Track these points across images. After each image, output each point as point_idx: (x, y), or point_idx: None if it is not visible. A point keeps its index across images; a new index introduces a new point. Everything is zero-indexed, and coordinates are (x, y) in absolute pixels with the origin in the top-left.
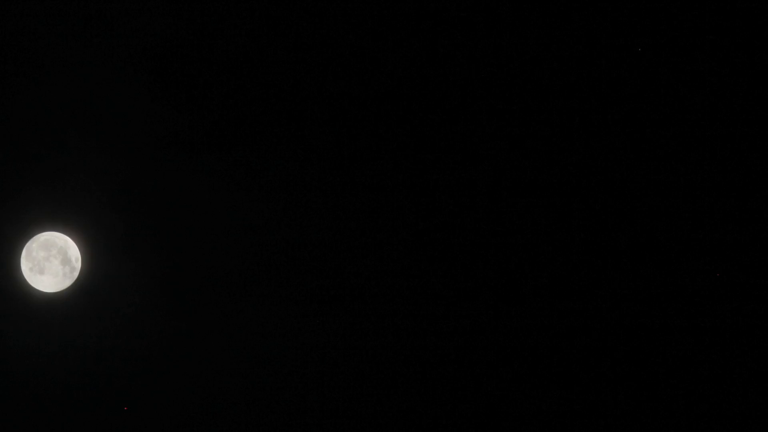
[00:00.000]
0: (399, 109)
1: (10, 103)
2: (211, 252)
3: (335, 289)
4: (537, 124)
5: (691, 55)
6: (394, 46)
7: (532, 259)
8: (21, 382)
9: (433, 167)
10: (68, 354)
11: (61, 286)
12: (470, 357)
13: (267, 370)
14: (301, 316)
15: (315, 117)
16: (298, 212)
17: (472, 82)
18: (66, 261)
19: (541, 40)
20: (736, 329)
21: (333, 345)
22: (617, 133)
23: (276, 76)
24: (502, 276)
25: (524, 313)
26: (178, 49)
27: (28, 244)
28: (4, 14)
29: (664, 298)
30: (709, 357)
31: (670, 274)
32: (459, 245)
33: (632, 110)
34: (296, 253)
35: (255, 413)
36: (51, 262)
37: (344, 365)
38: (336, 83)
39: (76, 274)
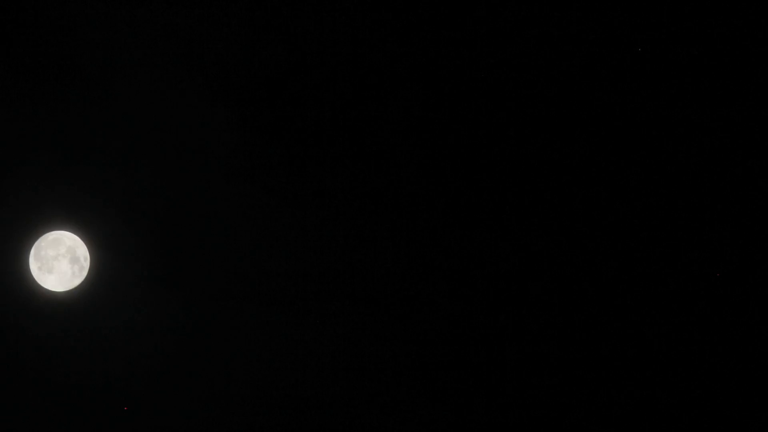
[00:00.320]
0: (399, 110)
1: (19, 103)
2: (219, 252)
3: (338, 290)
4: (537, 124)
5: (691, 55)
6: (404, 50)
7: (532, 259)
8: (29, 381)
9: (433, 167)
10: (76, 353)
11: (69, 286)
12: (470, 357)
13: (271, 372)
14: (307, 318)
15: (328, 122)
16: (306, 214)
17: (471, 82)
18: (74, 260)
19: (541, 40)
20: (736, 329)
21: (336, 347)
22: (617, 133)
23: (286, 81)
24: (502, 276)
25: (524, 313)
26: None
27: (36, 243)
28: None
29: (664, 298)
30: (709, 357)
31: (670, 274)
32: (459, 245)
33: (632, 110)
34: (303, 254)
35: (256, 415)
36: (59, 261)
37: (345, 366)
38: (344, 88)
39: (84, 273)
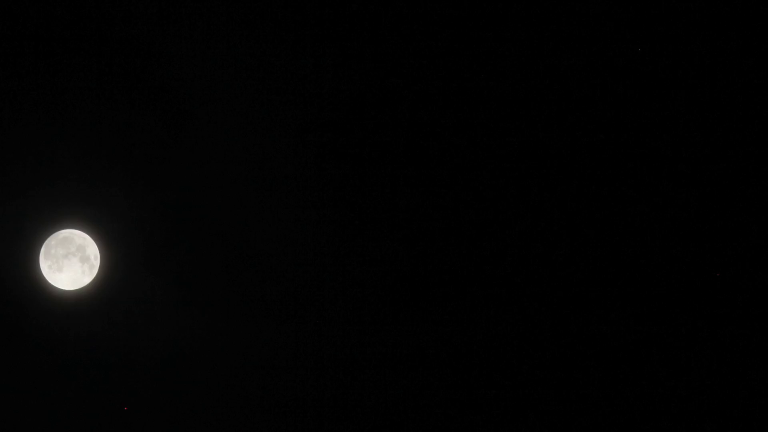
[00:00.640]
0: (398, 110)
1: (28, 102)
2: (231, 252)
3: (343, 292)
4: (536, 124)
5: (691, 55)
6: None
7: (532, 259)
8: (38, 379)
9: (432, 168)
10: (85, 351)
11: (79, 284)
12: (470, 357)
13: (276, 373)
14: (314, 320)
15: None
16: (316, 215)
17: (471, 82)
18: (85, 259)
19: (541, 41)
20: (736, 329)
21: (340, 348)
22: (617, 134)
23: (286, 80)
24: (501, 276)
25: (524, 313)
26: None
27: (47, 242)
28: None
29: (663, 298)
30: (708, 357)
31: (670, 274)
32: (458, 246)
33: (632, 110)
34: (312, 256)
35: (258, 416)
36: (70, 259)
37: (349, 367)
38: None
39: (94, 271)
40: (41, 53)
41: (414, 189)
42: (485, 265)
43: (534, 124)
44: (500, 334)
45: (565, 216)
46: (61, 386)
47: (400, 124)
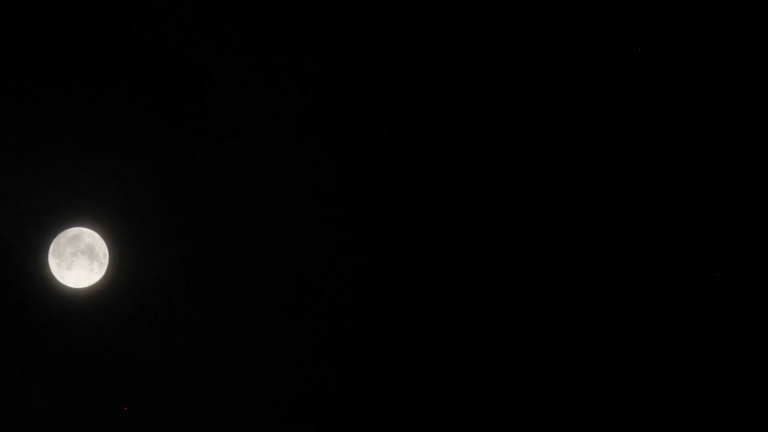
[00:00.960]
0: (397, 111)
1: (39, 100)
2: (240, 251)
3: (348, 293)
4: (536, 124)
5: (691, 55)
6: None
7: (532, 260)
8: (47, 376)
9: (432, 167)
10: (93, 349)
11: (88, 282)
12: (470, 358)
13: (282, 373)
14: (316, 320)
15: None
16: (326, 216)
17: (471, 82)
18: (93, 257)
19: (541, 41)
20: (736, 329)
21: (345, 349)
22: (617, 134)
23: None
24: (502, 276)
25: (523, 314)
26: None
27: (56, 240)
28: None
29: (663, 298)
30: (708, 357)
31: (670, 274)
32: (458, 246)
33: (632, 111)
34: (322, 256)
35: (260, 416)
36: (79, 257)
37: (351, 368)
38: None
39: (103, 270)
40: (54, 52)
41: (414, 189)
42: (485, 265)
43: (534, 124)
44: (500, 334)
45: (565, 216)
46: (69, 383)
47: (399, 125)
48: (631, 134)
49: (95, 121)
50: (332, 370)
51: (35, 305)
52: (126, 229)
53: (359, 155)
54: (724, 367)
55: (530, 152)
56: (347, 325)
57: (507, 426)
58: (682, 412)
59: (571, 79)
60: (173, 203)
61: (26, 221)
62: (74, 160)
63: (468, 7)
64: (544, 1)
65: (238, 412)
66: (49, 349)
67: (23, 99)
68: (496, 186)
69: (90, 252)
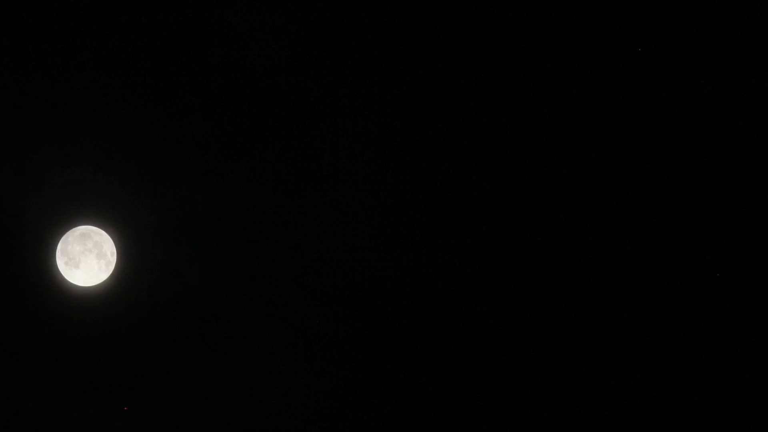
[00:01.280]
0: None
1: (49, 97)
2: (248, 250)
3: (353, 293)
4: (536, 124)
5: (691, 55)
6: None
7: (531, 260)
8: (54, 376)
9: (432, 167)
10: (101, 348)
11: (96, 281)
12: (470, 359)
13: (282, 376)
14: (324, 322)
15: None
16: (332, 217)
17: (471, 82)
18: (101, 255)
19: (541, 41)
20: (736, 329)
21: (350, 350)
22: (617, 134)
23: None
24: (502, 277)
25: (523, 314)
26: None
27: (63, 238)
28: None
29: (663, 298)
30: (708, 357)
31: (670, 274)
32: (457, 246)
33: (632, 111)
34: (330, 256)
35: (262, 417)
36: (86, 256)
37: (354, 368)
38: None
39: (111, 268)
40: (68, 49)
41: (414, 189)
42: (483, 265)
43: (534, 124)
44: (501, 335)
45: (565, 216)
46: (77, 382)
47: (400, 124)
48: (631, 134)
49: (104, 119)
50: (339, 370)
51: (43, 304)
52: (134, 228)
53: (362, 155)
54: (725, 367)
55: (530, 152)
56: (355, 327)
57: (507, 426)
58: (683, 411)
59: (570, 79)
60: (182, 201)
61: (34, 220)
62: (82, 158)
63: (468, 7)
64: (544, 1)
65: (244, 413)
66: (56, 347)
67: (31, 96)
68: (496, 186)
69: (98, 250)
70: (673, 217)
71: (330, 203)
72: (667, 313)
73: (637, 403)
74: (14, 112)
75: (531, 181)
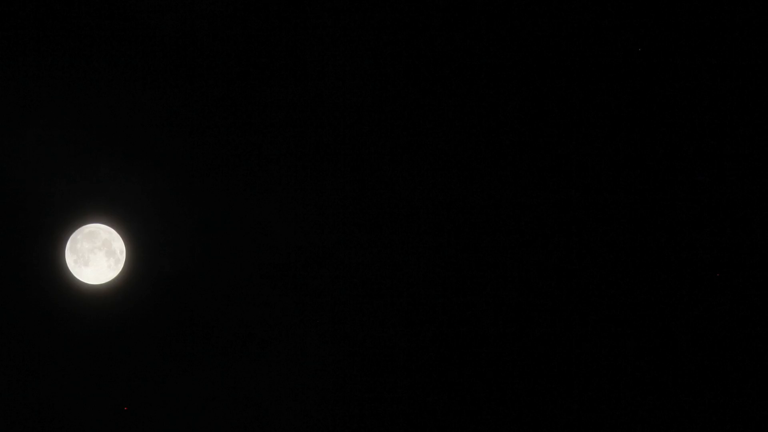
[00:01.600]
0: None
1: (56, 95)
2: (257, 247)
3: (356, 293)
4: (536, 124)
5: (691, 55)
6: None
7: (532, 260)
8: (63, 374)
9: (431, 167)
10: (109, 346)
11: (105, 279)
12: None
13: (285, 376)
14: (328, 322)
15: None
16: (337, 217)
17: (471, 82)
18: (110, 253)
19: (540, 41)
20: (736, 329)
21: (351, 350)
22: (617, 134)
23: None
24: (502, 277)
25: (523, 314)
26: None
27: (72, 236)
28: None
29: (663, 298)
30: (708, 357)
31: (670, 274)
32: (458, 247)
33: (632, 111)
34: (336, 256)
35: (264, 417)
36: (95, 254)
37: (356, 368)
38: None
39: (120, 266)
40: (69, 45)
41: (415, 187)
42: (483, 265)
43: (533, 124)
44: (501, 335)
45: (565, 216)
46: (84, 380)
47: (398, 125)
48: (631, 134)
49: (113, 117)
50: (339, 370)
51: (52, 301)
52: (143, 226)
53: (362, 154)
54: (724, 367)
55: (530, 152)
56: (359, 326)
57: (507, 426)
58: (682, 412)
59: (571, 78)
60: (191, 199)
61: (43, 218)
62: (91, 156)
63: (468, 7)
64: (544, 1)
65: (249, 414)
66: (65, 345)
67: (40, 95)
68: (496, 186)
69: (107, 248)
70: (673, 217)
71: (331, 203)
72: (667, 313)
73: (637, 403)
74: (24, 110)
75: (531, 182)
